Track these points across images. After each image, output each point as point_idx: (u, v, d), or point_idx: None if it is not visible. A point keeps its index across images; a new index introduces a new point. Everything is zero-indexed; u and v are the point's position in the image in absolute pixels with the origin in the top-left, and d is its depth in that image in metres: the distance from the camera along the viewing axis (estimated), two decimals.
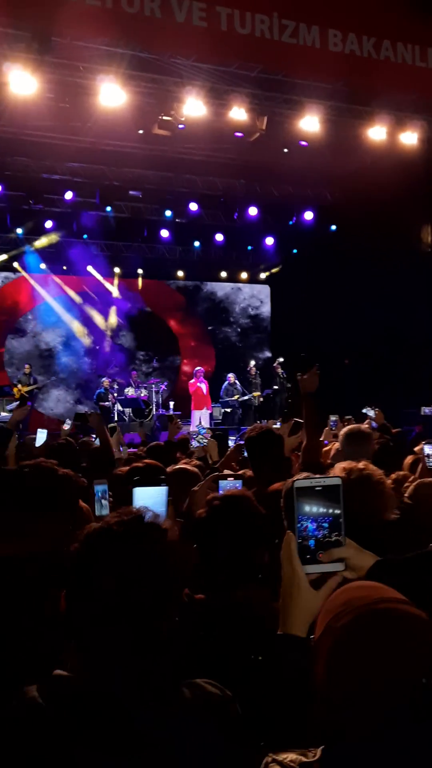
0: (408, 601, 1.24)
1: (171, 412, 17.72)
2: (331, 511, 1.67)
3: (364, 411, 9.53)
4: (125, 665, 1.35)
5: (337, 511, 1.67)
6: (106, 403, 17.16)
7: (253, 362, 19.76)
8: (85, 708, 1.32)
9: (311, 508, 1.66)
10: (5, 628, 2.02)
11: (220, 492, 2.88)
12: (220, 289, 22.29)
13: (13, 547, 2.18)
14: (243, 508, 2.38)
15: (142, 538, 1.44)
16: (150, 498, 2.38)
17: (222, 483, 3.12)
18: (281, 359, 18.82)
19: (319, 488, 1.68)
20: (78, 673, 1.38)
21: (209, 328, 21.84)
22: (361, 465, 2.93)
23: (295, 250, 20.78)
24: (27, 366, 17.88)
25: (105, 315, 20.73)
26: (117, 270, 20.42)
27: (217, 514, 2.35)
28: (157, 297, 21.43)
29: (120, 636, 1.36)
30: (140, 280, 20.93)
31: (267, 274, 22.01)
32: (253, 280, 22.19)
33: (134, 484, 2.39)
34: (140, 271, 20.78)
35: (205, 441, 7.83)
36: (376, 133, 13.68)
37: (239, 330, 22.51)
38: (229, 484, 3.09)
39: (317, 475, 2.22)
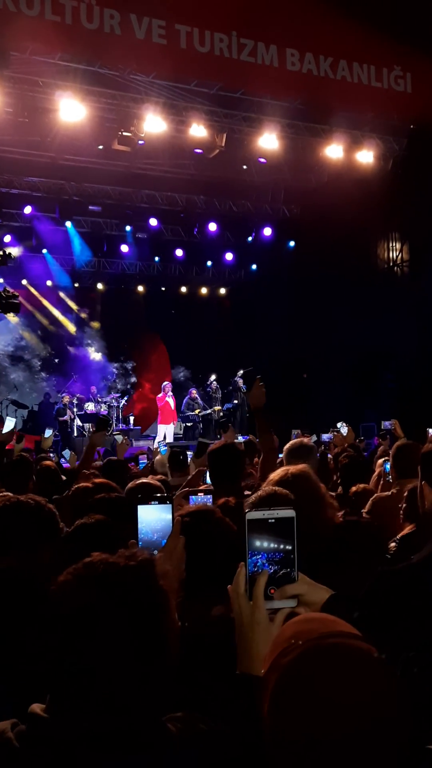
0: (357, 635, 1.17)
1: (131, 427, 17.67)
2: (282, 546, 1.61)
3: (338, 425, 9.57)
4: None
5: (289, 547, 1.62)
6: (65, 417, 17.03)
7: (214, 376, 19.70)
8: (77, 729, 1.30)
9: (262, 543, 1.61)
10: None
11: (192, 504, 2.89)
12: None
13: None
14: (210, 523, 2.35)
15: (121, 584, 1.39)
16: (154, 514, 2.36)
17: (193, 498, 3.11)
18: (242, 371, 18.81)
19: (272, 520, 1.62)
20: (50, 711, 1.35)
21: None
22: (292, 468, 2.90)
23: (254, 266, 20.94)
24: None
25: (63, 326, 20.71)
26: (77, 284, 20.34)
27: (186, 530, 2.28)
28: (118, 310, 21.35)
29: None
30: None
31: (226, 289, 22.10)
32: (213, 295, 22.24)
33: (138, 501, 2.38)
34: (100, 285, 20.69)
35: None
36: (333, 151, 13.93)
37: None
38: (200, 499, 3.09)
39: (269, 507, 2.18)
